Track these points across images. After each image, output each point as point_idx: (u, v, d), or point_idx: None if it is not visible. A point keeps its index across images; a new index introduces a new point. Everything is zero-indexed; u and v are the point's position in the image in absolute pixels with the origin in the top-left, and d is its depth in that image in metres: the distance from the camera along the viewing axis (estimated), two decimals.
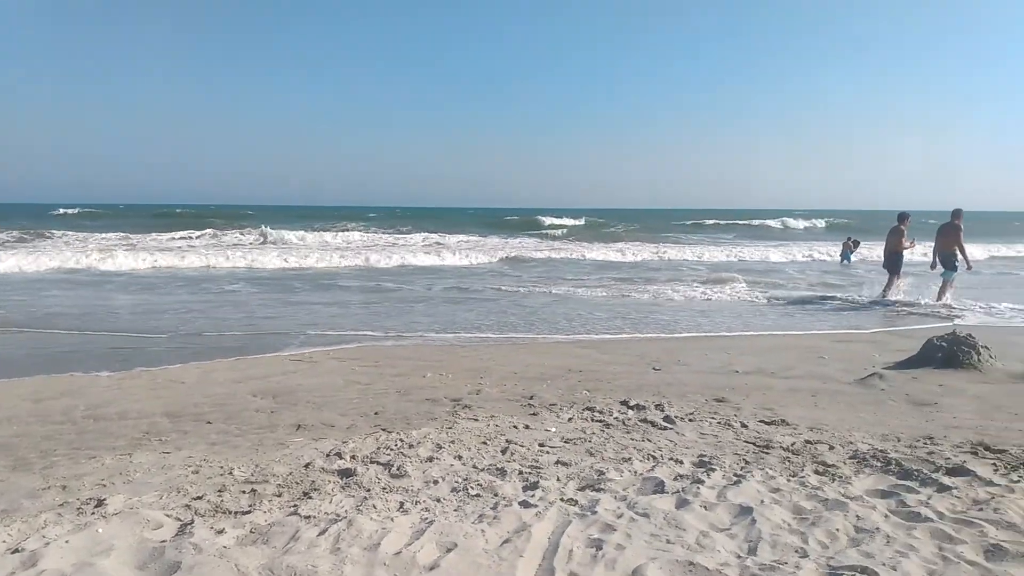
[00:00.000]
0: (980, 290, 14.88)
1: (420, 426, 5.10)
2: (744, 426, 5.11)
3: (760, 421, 5.27)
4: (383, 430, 5.04)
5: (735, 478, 3.92)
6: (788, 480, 3.92)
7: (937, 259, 13.39)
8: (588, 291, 15.06)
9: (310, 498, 3.65)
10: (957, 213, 13.21)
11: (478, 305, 13.09)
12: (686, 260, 25.71)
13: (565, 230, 45.86)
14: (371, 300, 13.74)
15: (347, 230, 38.77)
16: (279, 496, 3.71)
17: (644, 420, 5.27)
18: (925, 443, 4.67)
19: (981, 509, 3.47)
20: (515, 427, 5.05)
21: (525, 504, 3.54)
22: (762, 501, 3.58)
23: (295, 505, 3.55)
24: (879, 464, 4.16)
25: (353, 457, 4.30)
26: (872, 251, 26.15)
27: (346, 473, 4.02)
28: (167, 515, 3.41)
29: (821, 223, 55.85)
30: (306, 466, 4.17)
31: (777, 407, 5.75)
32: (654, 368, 7.46)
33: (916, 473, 3.97)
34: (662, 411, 5.52)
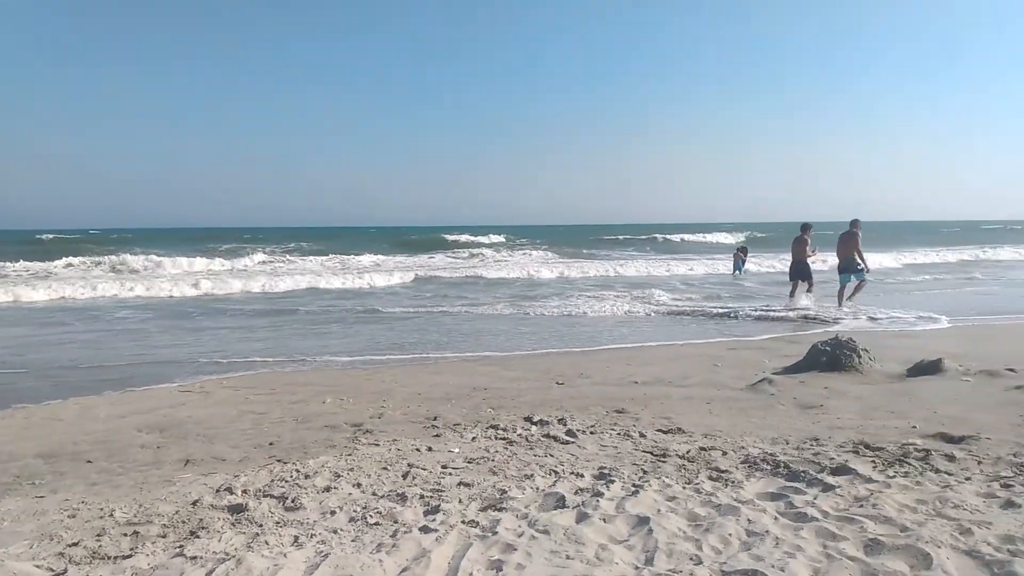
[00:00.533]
0: (869, 296, 15.71)
1: (318, 455, 4.95)
2: (643, 436, 5.22)
3: (658, 430, 5.39)
4: (278, 461, 4.85)
5: (633, 488, 3.98)
6: (684, 487, 4.01)
7: (839, 264, 14.18)
8: (497, 308, 15.09)
9: (197, 537, 3.47)
10: (855, 222, 14.15)
11: (384, 326, 12.90)
12: (595, 275, 26.07)
13: (480, 247, 45.85)
14: (271, 325, 13.31)
15: (247, 253, 37.44)
16: (164, 537, 3.50)
17: (547, 435, 5.30)
18: (811, 444, 4.88)
19: (862, 506, 3.65)
20: (418, 450, 4.97)
21: (425, 529, 3.48)
22: (659, 510, 3.64)
23: (181, 546, 3.36)
24: (769, 467, 4.32)
25: (245, 492, 4.12)
26: (763, 263, 27.42)
27: (237, 509, 3.84)
28: (37, 566, 3.17)
29: (728, 237, 56.85)
30: (194, 503, 3.96)
31: (674, 415, 5.89)
32: (558, 383, 7.53)
33: (803, 474, 4.15)
34: (564, 425, 5.57)
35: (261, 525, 3.62)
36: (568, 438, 5.22)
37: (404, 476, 4.35)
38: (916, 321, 12.30)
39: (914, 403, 6.15)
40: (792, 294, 14.64)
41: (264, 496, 4.05)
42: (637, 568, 3.01)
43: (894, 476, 4.09)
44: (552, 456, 4.77)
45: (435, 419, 5.93)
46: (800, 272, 14.67)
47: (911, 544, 3.10)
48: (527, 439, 5.22)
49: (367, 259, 34.01)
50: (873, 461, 4.40)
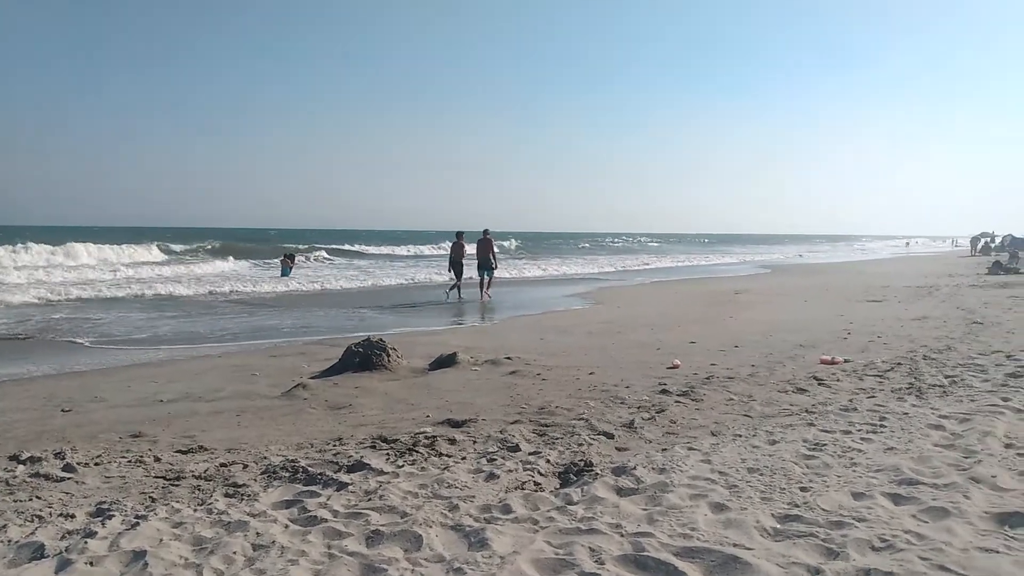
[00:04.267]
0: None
1: None
2: (157, 460, 4.76)
3: (176, 451, 4.98)
4: None
5: (135, 520, 3.58)
6: (195, 510, 3.75)
7: (478, 263, 18.07)
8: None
9: None
10: (487, 231, 18.30)
11: None
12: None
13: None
14: None
15: None
16: None
17: (37, 475, 4.49)
18: (335, 445, 5.01)
19: (370, 499, 3.83)
20: None
21: None
22: (161, 540, 3.33)
23: None
24: (288, 474, 4.29)
25: None
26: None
27: None
28: None
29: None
30: None
31: (199, 433, 5.53)
32: (63, 410, 6.49)
33: (320, 476, 4.21)
34: (63, 459, 4.79)
35: None
36: (65, 474, 4.50)
37: None
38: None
39: (431, 394, 6.77)
40: (456, 287, 18.06)
41: None
42: None
43: (403, 465, 4.41)
44: (39, 499, 4.05)
45: None
46: (460, 269, 18.25)
47: (407, 529, 3.35)
48: (8, 482, 4.36)
49: None
50: (387, 453, 4.68)
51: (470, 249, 18.36)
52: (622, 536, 3.19)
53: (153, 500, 3.94)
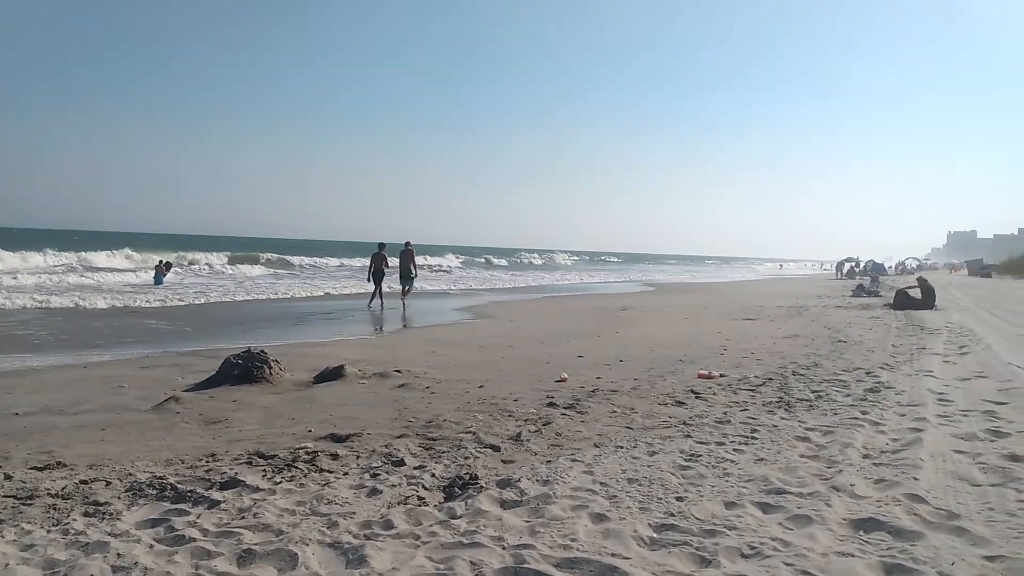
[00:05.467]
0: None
1: None
2: (8, 478, 4.38)
3: (32, 468, 4.61)
4: None
5: None
6: (49, 531, 3.47)
7: (400, 273, 19.42)
8: None
9: None
10: (408, 244, 19.74)
11: None
12: None
13: None
14: None
15: None
16: None
17: None
18: (207, 461, 4.77)
19: (244, 517, 3.67)
20: None
21: None
22: (6, 565, 3.06)
23: None
24: (155, 492, 4.05)
25: None
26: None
27: None
28: None
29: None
30: None
31: (58, 448, 5.14)
32: None
33: (190, 494, 3.99)
34: None
35: None
36: None
37: None
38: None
39: (315, 408, 6.57)
40: (375, 296, 19.02)
41: None
42: None
43: (280, 482, 4.25)
44: None
45: None
46: (380, 278, 19.29)
47: (282, 547, 3.22)
48: None
49: None
50: (264, 470, 4.50)
51: (393, 261, 19.50)
52: (504, 549, 3.19)
53: (1, 522, 3.63)
